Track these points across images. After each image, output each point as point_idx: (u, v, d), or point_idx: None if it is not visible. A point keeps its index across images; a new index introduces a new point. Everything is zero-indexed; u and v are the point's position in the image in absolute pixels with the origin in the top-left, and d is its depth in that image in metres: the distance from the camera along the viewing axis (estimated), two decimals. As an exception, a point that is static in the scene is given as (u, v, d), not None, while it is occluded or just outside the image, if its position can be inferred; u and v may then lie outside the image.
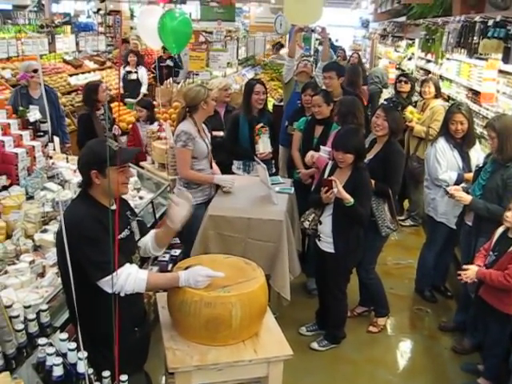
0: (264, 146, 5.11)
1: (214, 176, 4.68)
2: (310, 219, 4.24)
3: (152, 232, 3.05)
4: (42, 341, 2.36)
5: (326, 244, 4.15)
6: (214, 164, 4.83)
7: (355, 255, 4.21)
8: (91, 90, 5.92)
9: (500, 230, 3.82)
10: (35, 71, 6.24)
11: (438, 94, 6.56)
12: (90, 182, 2.64)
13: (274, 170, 5.45)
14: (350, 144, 3.95)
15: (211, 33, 12.20)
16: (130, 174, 2.79)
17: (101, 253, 2.45)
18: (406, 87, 7.13)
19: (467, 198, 4.17)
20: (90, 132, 5.62)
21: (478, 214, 4.19)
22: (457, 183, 4.56)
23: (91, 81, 7.29)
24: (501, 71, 5.57)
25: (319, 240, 4.21)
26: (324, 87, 5.60)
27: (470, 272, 3.72)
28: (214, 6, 8.59)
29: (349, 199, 3.87)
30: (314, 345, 4.42)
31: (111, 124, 5.94)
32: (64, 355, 2.35)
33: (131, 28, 15.90)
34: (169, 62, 10.05)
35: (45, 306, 2.69)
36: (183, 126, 4.50)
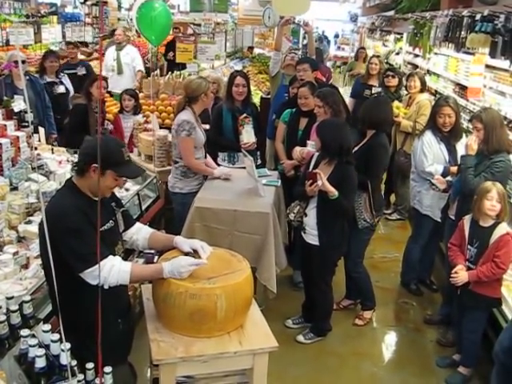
0: (248, 135, 5.10)
1: (214, 170, 4.76)
2: (295, 211, 4.24)
3: (146, 233, 3.02)
4: (24, 332, 2.33)
5: (311, 236, 4.15)
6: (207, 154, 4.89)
7: (340, 248, 4.21)
8: (88, 82, 5.86)
9: (467, 219, 3.87)
10: (22, 62, 6.17)
11: (424, 88, 6.58)
12: (84, 172, 2.61)
13: (259, 162, 5.43)
14: (322, 133, 4.05)
15: (199, 25, 12.13)
16: (121, 186, 2.80)
17: (84, 244, 2.43)
18: (394, 81, 7.14)
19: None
20: (83, 123, 5.56)
21: (462, 205, 4.22)
22: (443, 176, 4.59)
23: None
24: (488, 66, 5.60)
25: (304, 232, 4.21)
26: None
27: (462, 275, 3.75)
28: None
29: (333, 192, 3.87)
30: (300, 337, 4.43)
31: (103, 118, 5.89)
32: (47, 347, 2.32)
33: (118, 19, 15.73)
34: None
35: (28, 297, 2.66)
36: (184, 115, 4.55)
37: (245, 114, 5.13)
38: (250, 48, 13.21)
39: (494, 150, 4.04)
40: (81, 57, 10.39)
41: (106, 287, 2.53)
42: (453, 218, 4.43)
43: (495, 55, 4.66)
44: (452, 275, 3.80)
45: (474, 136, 4.15)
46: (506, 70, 4.92)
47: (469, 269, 3.78)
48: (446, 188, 4.53)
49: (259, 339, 2.76)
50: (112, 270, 2.54)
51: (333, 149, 3.98)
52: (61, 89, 6.91)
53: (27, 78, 6.25)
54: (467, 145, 4.19)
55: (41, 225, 2.63)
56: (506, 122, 4.53)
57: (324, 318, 4.47)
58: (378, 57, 8.19)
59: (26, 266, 3.41)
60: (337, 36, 27.75)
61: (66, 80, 7.19)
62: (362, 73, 9.71)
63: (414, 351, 4.46)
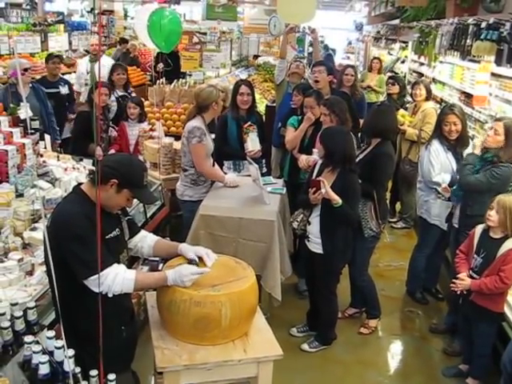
0: (253, 143, 5.10)
1: (225, 176, 4.78)
2: (298, 219, 4.23)
3: (151, 240, 3.02)
4: (28, 339, 2.33)
5: (315, 245, 4.14)
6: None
7: (344, 256, 4.19)
8: (91, 89, 5.90)
9: (479, 229, 3.83)
10: (25, 70, 6.22)
11: (429, 96, 6.58)
12: (101, 183, 2.55)
13: (264, 170, 5.44)
14: (326, 140, 4.04)
15: (205, 34, 12.19)
16: (130, 206, 2.82)
17: (89, 251, 2.41)
18: (395, 89, 7.15)
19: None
20: (87, 131, 5.58)
21: (464, 212, 4.23)
22: (450, 185, 4.57)
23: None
24: (493, 74, 5.59)
25: (308, 241, 4.20)
26: (313, 84, 5.64)
27: (464, 283, 3.72)
28: (214, 5, 8.56)
29: (337, 200, 3.86)
30: (305, 346, 4.41)
31: (107, 126, 5.90)
32: (51, 353, 2.32)
33: (125, 28, 15.85)
34: None
35: (32, 304, 2.65)
36: (195, 122, 4.57)
37: (249, 122, 5.14)
38: (255, 56, 13.23)
39: (507, 160, 4.04)
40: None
41: (110, 295, 2.53)
42: (456, 225, 4.42)
43: (501, 63, 4.66)
44: (453, 281, 3.78)
45: (489, 135, 4.14)
46: (511, 78, 4.91)
47: (471, 278, 3.75)
48: (451, 196, 4.53)
49: (264, 347, 2.75)
50: (116, 279, 2.53)
51: (336, 157, 3.98)
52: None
53: (30, 85, 6.30)
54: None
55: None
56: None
57: (329, 327, 4.44)
58: (352, 67, 7.16)
59: (30, 273, 3.40)
60: (350, 43, 27.76)
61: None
62: (372, 86, 9.58)
63: (419, 360, 4.43)
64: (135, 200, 4.60)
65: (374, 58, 11.14)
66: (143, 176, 2.69)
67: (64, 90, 7.19)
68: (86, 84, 8.11)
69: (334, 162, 4.01)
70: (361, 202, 4.21)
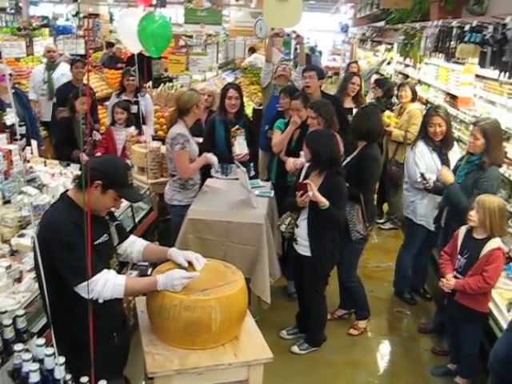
0: (240, 147, 5.12)
1: (203, 156, 4.76)
2: (286, 223, 4.25)
3: (140, 245, 3.02)
4: (18, 347, 2.32)
5: (303, 247, 4.16)
6: None
7: (332, 258, 4.22)
8: (73, 95, 5.85)
9: (463, 230, 3.87)
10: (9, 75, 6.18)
11: (415, 97, 6.64)
12: (87, 185, 2.56)
13: (252, 173, 5.45)
14: (313, 142, 4.05)
15: (191, 36, 12.19)
16: (118, 207, 2.81)
17: (78, 258, 2.41)
18: (377, 92, 7.22)
19: (451, 179, 4.22)
20: (68, 137, 5.56)
21: (451, 213, 4.25)
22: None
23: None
24: (478, 76, 5.65)
25: (296, 243, 4.22)
26: (304, 88, 5.65)
27: (450, 283, 3.77)
28: (197, 8, 8.56)
29: (324, 202, 3.88)
30: (295, 348, 4.43)
31: (91, 129, 5.88)
32: (41, 361, 2.31)
33: (110, 31, 15.81)
34: None
35: (21, 312, 2.64)
36: (178, 128, 4.58)
37: (237, 126, 5.15)
38: (251, 49, 13.13)
39: (493, 162, 4.08)
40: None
41: (100, 301, 2.52)
42: (443, 226, 4.47)
43: (484, 65, 4.71)
44: (441, 280, 3.82)
45: (470, 142, 4.18)
46: (495, 80, 4.97)
47: (455, 278, 3.79)
48: (431, 187, 4.55)
49: (254, 351, 2.75)
50: (106, 284, 2.53)
51: (323, 159, 4.00)
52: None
53: (13, 91, 6.25)
54: (443, 175, 4.25)
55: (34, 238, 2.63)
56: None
57: (318, 329, 4.46)
58: (358, 76, 6.89)
59: (19, 280, 3.39)
60: (333, 45, 27.85)
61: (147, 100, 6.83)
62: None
63: (408, 360, 4.46)
64: (124, 204, 4.64)
65: (352, 62, 11.08)
66: (127, 175, 2.69)
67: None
68: (43, 95, 7.49)
69: (320, 164, 4.04)
70: (348, 204, 4.23)
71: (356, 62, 10.84)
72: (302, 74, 5.88)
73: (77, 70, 6.86)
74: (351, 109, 6.35)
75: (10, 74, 6.37)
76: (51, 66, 7.71)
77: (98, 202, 2.61)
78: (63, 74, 7.60)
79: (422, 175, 4.44)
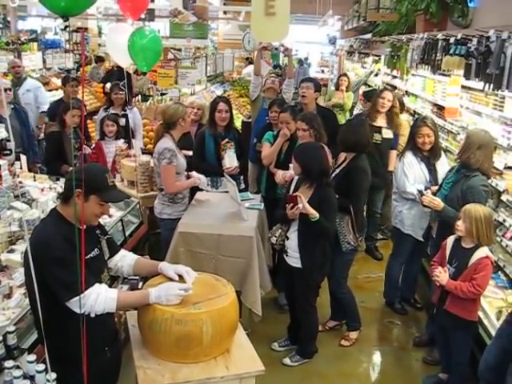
0: (230, 160, 5.15)
1: (192, 177, 4.77)
2: (276, 235, 4.26)
3: (131, 259, 3.02)
4: (8, 364, 2.32)
5: (293, 259, 4.17)
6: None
7: (322, 269, 4.23)
8: (62, 109, 5.85)
9: (451, 240, 3.91)
10: (4, 90, 6.18)
11: (402, 108, 6.68)
12: (69, 199, 2.60)
13: (242, 186, 5.48)
14: (301, 155, 4.08)
15: (180, 50, 12.24)
16: (106, 212, 2.80)
17: (70, 273, 2.41)
18: (367, 105, 7.23)
19: (440, 204, 4.24)
20: (58, 151, 5.55)
21: (443, 225, 4.28)
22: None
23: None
24: (464, 87, 5.72)
25: (287, 255, 4.24)
26: (299, 100, 5.73)
27: (443, 276, 3.78)
28: (183, 23, 8.61)
29: (314, 214, 3.91)
30: (286, 360, 4.43)
31: (81, 144, 5.88)
32: (32, 378, 2.31)
33: (99, 45, 15.83)
34: None
35: (12, 328, 2.64)
36: (165, 143, 4.58)
37: (227, 139, 5.18)
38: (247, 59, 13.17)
39: (468, 166, 4.16)
40: (61, 83, 10.44)
41: (92, 315, 2.52)
42: (434, 237, 4.51)
43: (469, 77, 4.77)
44: (435, 272, 3.82)
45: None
46: (481, 91, 5.03)
47: (443, 286, 3.80)
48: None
49: (246, 363, 2.76)
50: (98, 299, 2.53)
51: (314, 173, 4.03)
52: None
53: (12, 106, 6.26)
54: (436, 204, 4.26)
55: (25, 254, 2.62)
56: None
57: (310, 340, 4.47)
58: (391, 90, 6.48)
59: (8, 296, 3.37)
60: (321, 57, 28.07)
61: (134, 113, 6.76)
62: (341, 104, 9.51)
63: (400, 371, 4.47)
64: (114, 218, 4.64)
65: (341, 74, 10.79)
66: (105, 178, 2.67)
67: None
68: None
69: (311, 178, 4.06)
70: (338, 216, 4.26)
71: (346, 74, 10.70)
72: (299, 85, 5.95)
73: (71, 89, 6.85)
74: (380, 128, 6.03)
75: (9, 89, 6.36)
76: (17, 82, 7.46)
77: (85, 211, 2.61)
78: (28, 89, 7.43)
79: (420, 192, 4.44)
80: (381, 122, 6.09)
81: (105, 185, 2.66)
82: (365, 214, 5.80)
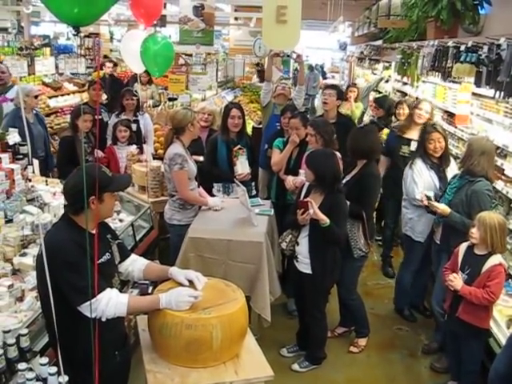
0: (242, 166, 5.17)
1: (208, 199, 4.80)
2: (287, 240, 4.28)
3: (142, 264, 3.04)
4: (21, 366, 2.35)
5: (304, 265, 4.18)
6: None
7: (332, 275, 4.24)
8: (74, 114, 5.93)
9: (463, 246, 3.90)
10: (36, 97, 6.37)
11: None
12: (82, 208, 2.58)
13: (254, 192, 5.49)
14: (313, 162, 4.08)
15: (191, 55, 12.31)
16: (117, 199, 2.84)
17: (82, 278, 2.44)
18: (379, 112, 7.17)
19: (446, 210, 4.25)
20: (71, 155, 5.61)
21: (447, 230, 4.28)
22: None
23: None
24: (474, 94, 5.71)
25: (297, 261, 4.25)
26: (322, 105, 5.78)
27: (457, 281, 3.77)
28: (192, 29, 8.67)
29: (325, 220, 3.92)
30: (295, 366, 4.43)
31: (93, 148, 5.94)
32: (44, 380, 2.33)
33: (111, 50, 15.95)
34: None
35: (25, 331, 2.67)
36: (175, 148, 4.60)
37: (239, 146, 5.20)
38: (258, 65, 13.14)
39: (473, 173, 4.17)
40: (73, 88, 10.54)
41: (103, 319, 2.55)
42: (438, 242, 4.50)
43: (480, 84, 4.77)
44: (449, 278, 3.82)
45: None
46: (491, 98, 5.02)
47: (455, 293, 3.81)
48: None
49: (255, 369, 2.77)
50: (109, 303, 2.56)
51: (328, 179, 4.04)
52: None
53: (34, 112, 6.37)
54: (442, 210, 4.29)
55: (38, 258, 2.66)
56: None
57: (318, 346, 4.47)
58: (430, 102, 6.14)
59: (20, 299, 3.40)
60: (331, 64, 28.11)
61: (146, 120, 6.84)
62: (348, 114, 9.24)
63: (409, 378, 4.46)
64: (125, 223, 4.68)
65: (350, 85, 10.08)
66: (104, 171, 2.70)
67: (105, 116, 7.15)
68: None
69: (324, 184, 4.07)
70: (349, 222, 4.27)
71: (355, 85, 10.04)
72: (323, 91, 6.01)
73: (94, 92, 6.96)
74: (410, 140, 5.69)
75: (36, 96, 6.47)
76: (2, 89, 7.05)
77: (102, 211, 2.64)
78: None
79: (429, 198, 4.42)
80: (412, 134, 5.73)
81: (109, 177, 2.69)
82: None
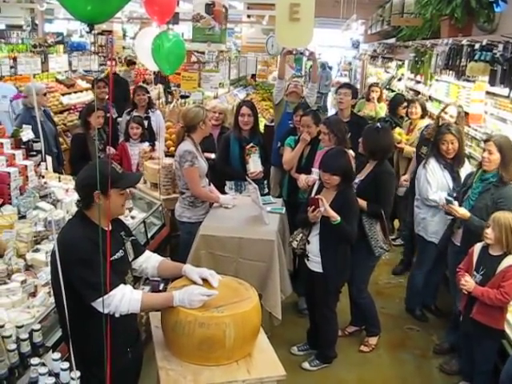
0: (254, 165, 5.17)
1: (219, 196, 4.83)
2: (298, 239, 4.27)
3: (156, 261, 3.05)
4: (34, 361, 2.36)
5: (315, 264, 4.18)
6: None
7: (343, 274, 4.23)
8: (86, 111, 5.95)
9: (478, 247, 3.87)
10: (44, 94, 6.41)
11: (425, 114, 6.62)
12: (91, 203, 2.64)
13: (266, 190, 5.49)
14: (336, 165, 4.02)
15: (203, 53, 12.31)
16: (127, 196, 2.84)
17: (95, 274, 2.44)
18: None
19: (466, 214, 4.20)
20: (83, 152, 5.64)
21: (469, 232, 4.23)
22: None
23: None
24: (488, 93, 5.67)
25: (308, 260, 4.24)
26: (335, 103, 5.75)
27: (470, 284, 3.75)
28: (204, 27, 8.67)
29: (336, 217, 3.91)
30: (306, 365, 4.43)
31: (104, 145, 5.95)
32: (57, 375, 2.35)
33: (123, 48, 16.00)
34: None
35: (37, 326, 2.69)
36: (185, 146, 4.61)
37: (251, 144, 5.19)
38: (253, 76, 13.28)
39: (510, 178, 4.08)
40: (86, 85, 10.59)
41: (117, 315, 2.56)
42: (458, 244, 4.46)
43: (494, 83, 4.74)
44: (462, 281, 3.79)
45: (485, 157, 4.16)
46: (506, 97, 4.99)
47: (469, 293, 3.78)
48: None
49: (267, 367, 2.77)
50: (123, 299, 2.57)
51: (350, 176, 4.10)
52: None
53: (43, 109, 6.41)
54: (461, 214, 4.21)
55: (52, 254, 2.67)
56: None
57: (329, 345, 4.46)
58: (460, 106, 5.84)
59: (33, 294, 3.43)
60: (341, 62, 28.01)
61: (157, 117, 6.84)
62: (372, 116, 8.26)
63: (419, 378, 4.44)
64: (136, 220, 4.69)
65: (372, 84, 9.40)
66: (114, 168, 2.68)
67: (113, 112, 7.15)
68: None
69: (348, 181, 4.10)
70: (367, 222, 4.27)
71: (377, 84, 9.48)
72: (337, 91, 6.01)
73: (99, 90, 6.98)
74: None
75: (44, 94, 6.53)
76: None
77: (111, 207, 2.63)
78: (4, 95, 7.13)
79: (448, 201, 4.33)
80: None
81: (117, 174, 2.68)
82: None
